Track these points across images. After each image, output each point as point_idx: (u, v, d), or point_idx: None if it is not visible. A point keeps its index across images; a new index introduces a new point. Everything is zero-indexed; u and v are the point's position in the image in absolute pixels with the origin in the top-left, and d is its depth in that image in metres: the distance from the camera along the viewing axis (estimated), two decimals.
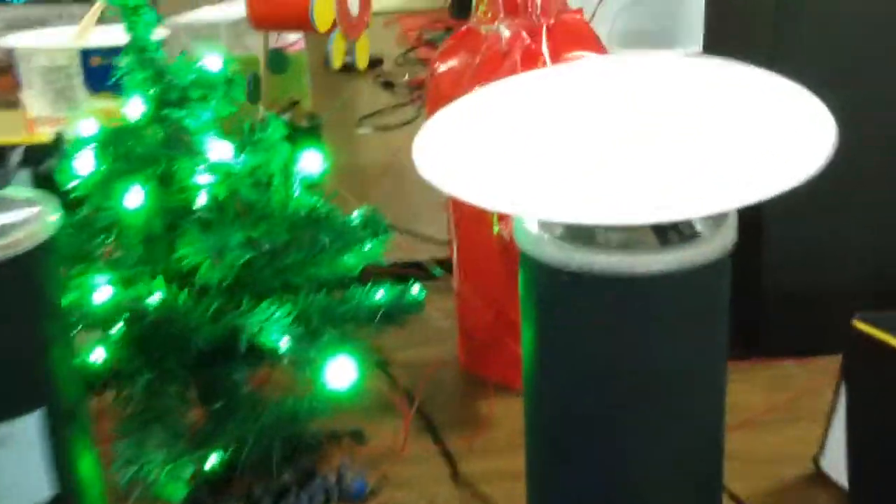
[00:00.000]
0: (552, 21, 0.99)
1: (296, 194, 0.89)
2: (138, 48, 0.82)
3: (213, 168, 0.82)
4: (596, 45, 1.00)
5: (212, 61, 0.84)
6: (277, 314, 0.82)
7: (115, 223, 0.83)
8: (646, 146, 0.57)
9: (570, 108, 0.65)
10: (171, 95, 0.83)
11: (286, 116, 1.66)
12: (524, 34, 0.98)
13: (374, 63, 2.38)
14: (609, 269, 0.55)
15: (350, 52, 1.56)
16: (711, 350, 0.59)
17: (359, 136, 1.94)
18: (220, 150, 0.83)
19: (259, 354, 0.83)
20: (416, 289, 0.95)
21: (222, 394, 0.86)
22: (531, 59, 0.97)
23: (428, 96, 1.05)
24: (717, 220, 0.58)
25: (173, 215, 0.83)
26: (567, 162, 0.58)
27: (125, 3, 0.80)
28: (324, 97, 2.02)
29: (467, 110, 0.71)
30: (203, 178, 0.82)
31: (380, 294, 0.94)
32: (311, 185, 0.91)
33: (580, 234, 0.58)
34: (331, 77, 2.18)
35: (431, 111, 1.04)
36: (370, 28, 1.62)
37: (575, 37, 1.00)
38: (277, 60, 1.56)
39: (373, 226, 0.92)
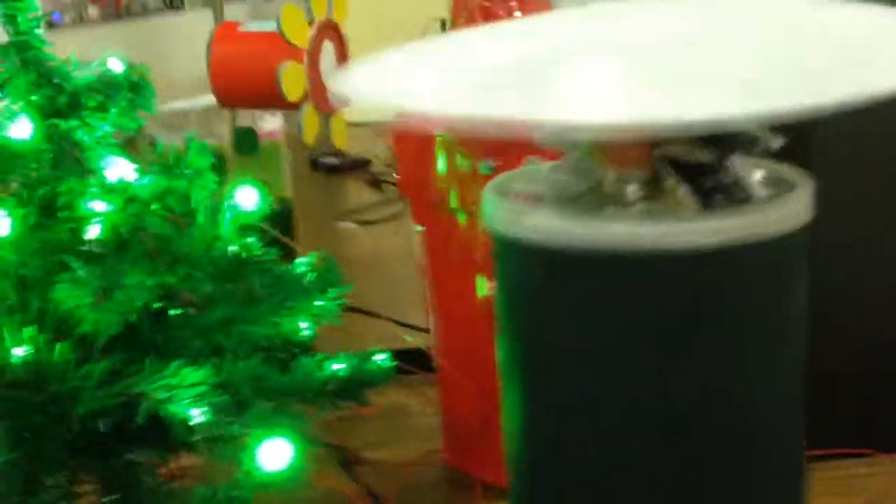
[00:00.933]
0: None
1: (224, 234, 0.70)
2: (19, 45, 0.65)
3: (109, 191, 0.64)
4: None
5: (113, 63, 0.67)
6: (192, 378, 0.62)
7: None
8: (707, 50, 0.39)
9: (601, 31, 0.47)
10: (60, 102, 0.65)
11: None
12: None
13: (362, 164, 2.24)
14: (633, 242, 0.36)
15: (325, 128, 1.41)
16: (778, 365, 0.39)
17: (338, 229, 1.77)
18: (120, 170, 0.65)
19: (167, 432, 0.63)
20: (380, 357, 0.75)
21: (118, 485, 0.64)
22: None
23: (396, 136, 0.88)
24: (780, 185, 0.39)
25: (56, 251, 0.64)
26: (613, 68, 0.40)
27: None
28: (304, 193, 1.86)
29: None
30: (97, 205, 0.64)
31: (336, 366, 0.74)
32: (245, 226, 0.72)
33: (578, 201, 0.39)
34: (314, 175, 2.04)
35: (401, 147, 0.88)
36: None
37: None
38: (244, 139, 1.40)
39: (325, 277, 0.73)
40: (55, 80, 0.65)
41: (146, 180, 0.66)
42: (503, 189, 0.41)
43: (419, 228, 0.87)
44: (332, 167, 2.20)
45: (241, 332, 0.69)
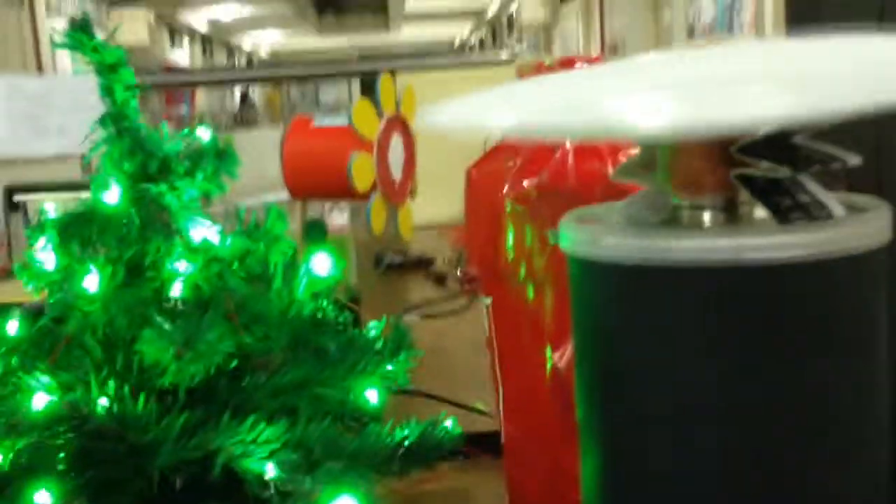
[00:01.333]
0: None
1: (300, 297, 0.72)
2: (115, 116, 0.69)
3: (193, 251, 0.67)
4: None
5: (202, 131, 0.71)
6: (266, 435, 0.63)
7: (71, 317, 0.66)
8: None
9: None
10: (151, 168, 0.69)
11: None
12: None
13: (426, 262, 2.27)
14: (712, 255, 0.36)
15: (392, 219, 1.44)
16: (865, 382, 0.39)
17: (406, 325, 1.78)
18: (204, 232, 0.68)
19: (241, 487, 0.63)
20: (449, 422, 0.75)
21: None
22: (586, 153, 0.82)
23: (466, 203, 0.90)
24: (857, 208, 0.40)
25: (142, 307, 0.66)
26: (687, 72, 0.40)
27: (101, 60, 0.68)
28: (369, 287, 1.89)
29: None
30: (181, 265, 0.67)
31: (405, 432, 0.74)
32: (320, 291, 0.74)
33: (656, 220, 0.40)
34: (380, 273, 2.07)
35: (472, 220, 0.89)
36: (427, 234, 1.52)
37: None
38: (314, 229, 1.44)
39: (395, 341, 0.75)
40: (147, 148, 0.69)
41: (228, 242, 0.68)
42: (581, 218, 0.42)
43: (487, 301, 0.88)
44: (396, 265, 2.23)
45: (314, 394, 0.70)
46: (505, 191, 0.83)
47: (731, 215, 0.40)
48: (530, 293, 0.83)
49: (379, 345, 0.73)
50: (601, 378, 0.41)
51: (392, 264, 2.20)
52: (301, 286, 0.72)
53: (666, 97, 0.35)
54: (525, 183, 0.82)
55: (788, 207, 0.38)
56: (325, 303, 0.72)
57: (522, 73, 0.87)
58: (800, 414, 0.37)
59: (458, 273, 2.18)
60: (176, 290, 0.66)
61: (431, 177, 1.92)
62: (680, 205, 0.41)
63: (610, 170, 0.80)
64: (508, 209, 0.83)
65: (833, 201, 0.39)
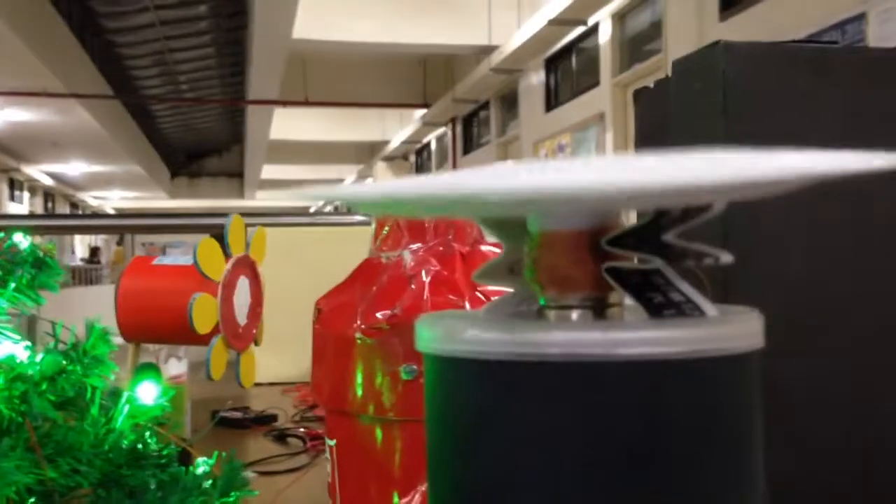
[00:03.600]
0: (467, 249, 0.83)
1: (117, 427, 0.64)
2: None
3: None
4: None
5: (19, 238, 0.63)
6: None
7: None
8: None
9: None
10: None
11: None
12: (433, 260, 0.81)
13: (268, 419, 2.16)
14: (584, 349, 0.32)
15: (233, 366, 1.36)
16: (737, 485, 0.35)
17: None
18: (9, 347, 0.60)
19: None
20: None
21: None
22: (443, 285, 0.79)
23: (314, 338, 0.84)
24: (729, 311, 0.37)
25: None
26: None
27: None
28: (205, 442, 1.76)
29: None
30: None
31: None
32: (142, 421, 0.66)
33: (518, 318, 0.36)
34: (214, 430, 1.95)
35: (319, 355, 0.83)
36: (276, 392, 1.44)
37: None
38: (146, 375, 1.33)
39: (227, 479, 0.67)
40: None
41: (38, 359, 0.60)
42: (436, 317, 0.38)
43: (332, 443, 0.81)
44: (236, 420, 2.11)
45: None
46: (355, 324, 0.78)
47: (601, 314, 0.37)
48: (378, 434, 0.77)
49: (207, 484, 0.65)
50: (462, 500, 0.36)
51: (231, 419, 2.08)
52: (121, 415, 0.64)
53: (532, 170, 0.31)
54: (378, 316, 0.77)
55: (661, 304, 0.35)
56: (147, 435, 0.64)
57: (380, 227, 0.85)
58: None
59: (302, 430, 2.08)
60: None
61: (278, 332, 1.85)
62: (548, 304, 0.37)
63: (467, 304, 0.76)
64: (359, 342, 0.78)
65: (705, 301, 0.36)
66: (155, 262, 1.39)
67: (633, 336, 0.33)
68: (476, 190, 0.31)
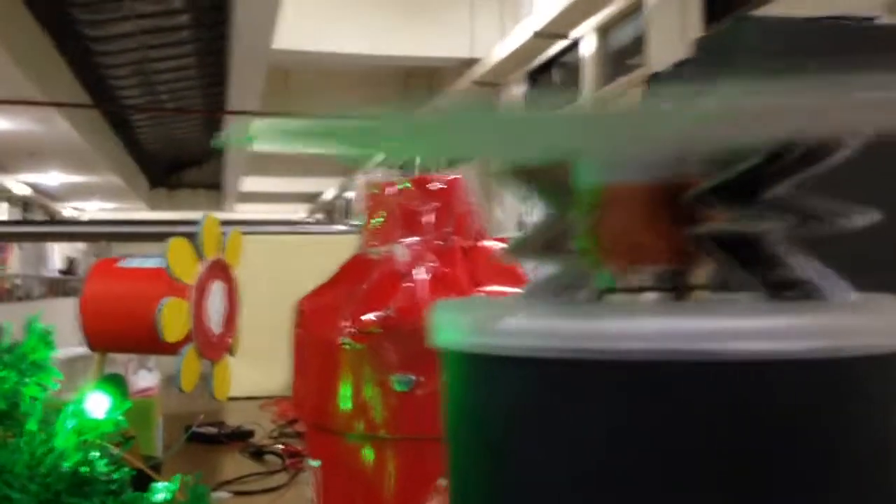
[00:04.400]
0: (469, 244, 0.73)
1: (59, 445, 0.53)
2: None
3: None
4: (521, 279, 0.74)
5: None
6: None
7: None
8: None
9: None
10: None
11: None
12: (430, 255, 0.71)
13: (244, 434, 2.05)
14: (674, 345, 0.23)
15: (206, 378, 1.25)
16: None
17: (212, 500, 1.56)
18: None
19: None
20: None
21: None
22: (443, 283, 0.69)
23: (295, 343, 0.74)
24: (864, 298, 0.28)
25: None
26: None
27: None
28: (177, 460, 1.66)
29: None
30: None
31: None
32: (90, 439, 0.56)
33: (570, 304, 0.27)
34: (187, 446, 1.84)
35: (300, 363, 0.73)
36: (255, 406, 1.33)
37: (497, 267, 0.73)
38: (110, 387, 1.22)
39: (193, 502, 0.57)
40: None
41: None
42: (459, 308, 0.28)
43: (315, 464, 0.71)
44: (210, 436, 2.00)
45: None
46: (342, 327, 0.68)
47: (683, 297, 0.27)
48: (369, 454, 0.67)
49: None
50: None
51: (204, 435, 1.98)
52: (64, 431, 0.54)
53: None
54: (367, 317, 0.67)
55: (779, 282, 0.26)
56: (95, 454, 0.54)
57: (371, 195, 0.75)
58: None
59: (280, 447, 1.98)
60: None
61: (256, 342, 1.75)
62: (611, 284, 0.28)
63: None
64: (346, 348, 0.68)
65: (838, 281, 0.27)
66: (121, 264, 1.29)
67: (745, 326, 0.23)
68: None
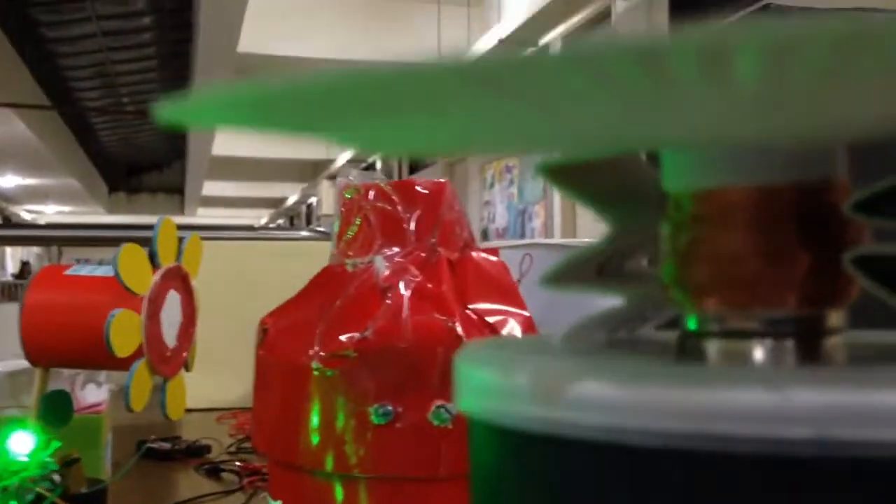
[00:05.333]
0: (456, 255, 0.65)
1: None
2: None
3: None
4: (516, 297, 0.65)
5: None
6: None
7: None
8: None
9: None
10: None
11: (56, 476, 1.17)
12: (413, 268, 0.62)
13: (200, 450, 1.96)
14: (812, 430, 0.15)
15: (158, 396, 1.16)
16: None
17: None
18: None
19: None
20: None
21: None
22: (427, 301, 0.61)
23: (257, 366, 0.65)
24: None
25: None
26: None
27: None
28: (128, 479, 1.56)
29: None
30: None
31: None
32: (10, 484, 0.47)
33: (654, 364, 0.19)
34: (139, 463, 1.74)
35: (263, 388, 0.64)
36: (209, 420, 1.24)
37: (488, 282, 0.65)
38: (54, 404, 1.12)
39: None
40: None
41: None
42: (498, 361, 0.20)
43: None
44: (163, 452, 1.90)
45: None
46: (312, 350, 0.60)
47: (812, 351, 0.19)
48: (339, 494, 0.59)
49: None
50: None
51: (158, 451, 1.88)
52: None
53: None
54: (341, 339, 0.59)
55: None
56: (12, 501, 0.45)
57: (346, 200, 0.67)
58: None
59: (238, 464, 1.89)
60: None
61: (215, 352, 1.66)
62: (703, 328, 0.20)
63: (458, 326, 0.58)
64: (315, 374, 0.59)
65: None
66: (69, 271, 1.19)
67: None
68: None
